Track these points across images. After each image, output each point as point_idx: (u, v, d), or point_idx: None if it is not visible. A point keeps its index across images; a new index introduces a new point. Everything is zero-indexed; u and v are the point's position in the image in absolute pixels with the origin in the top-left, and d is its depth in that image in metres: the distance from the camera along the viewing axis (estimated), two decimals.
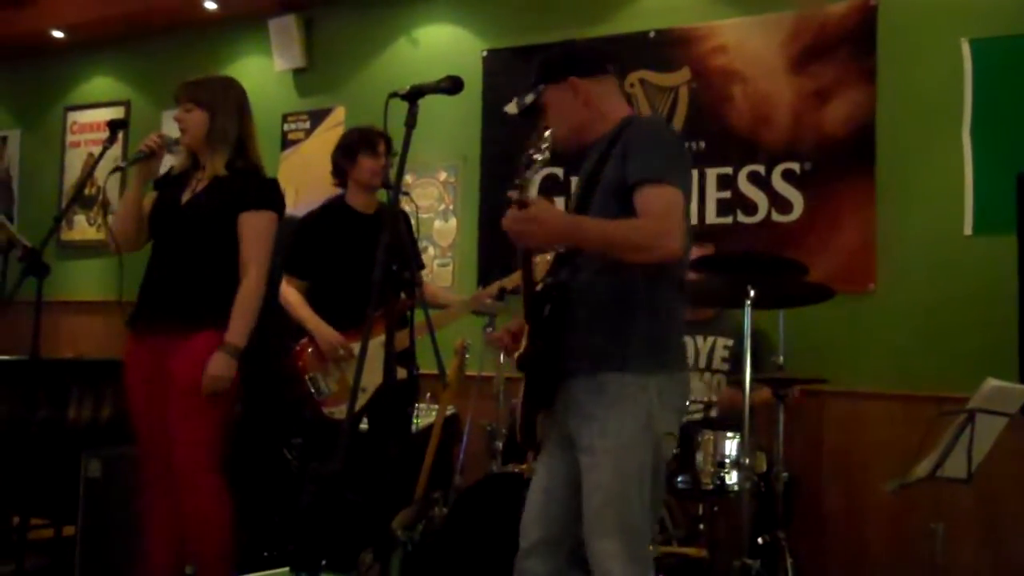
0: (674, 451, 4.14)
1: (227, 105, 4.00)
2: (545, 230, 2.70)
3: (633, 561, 2.77)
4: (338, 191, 4.97)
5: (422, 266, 5.30)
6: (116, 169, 4.07)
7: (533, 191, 2.76)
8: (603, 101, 3.05)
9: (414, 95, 3.00)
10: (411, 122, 2.97)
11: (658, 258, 2.73)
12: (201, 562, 3.89)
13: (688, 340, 5.00)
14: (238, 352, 3.82)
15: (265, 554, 4.91)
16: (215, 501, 3.87)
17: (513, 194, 2.72)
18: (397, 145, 3.36)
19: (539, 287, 2.90)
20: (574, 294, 2.84)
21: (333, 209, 4.93)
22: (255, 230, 3.91)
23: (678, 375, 2.95)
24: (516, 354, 2.93)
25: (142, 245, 4.12)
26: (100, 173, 7.86)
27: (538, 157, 2.77)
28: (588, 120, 3.02)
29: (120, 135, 4.05)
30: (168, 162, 4.18)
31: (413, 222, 4.94)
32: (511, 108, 3.08)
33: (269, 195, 4.00)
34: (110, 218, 4.23)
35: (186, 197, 4.00)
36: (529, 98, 3.04)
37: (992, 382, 3.73)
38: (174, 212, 3.99)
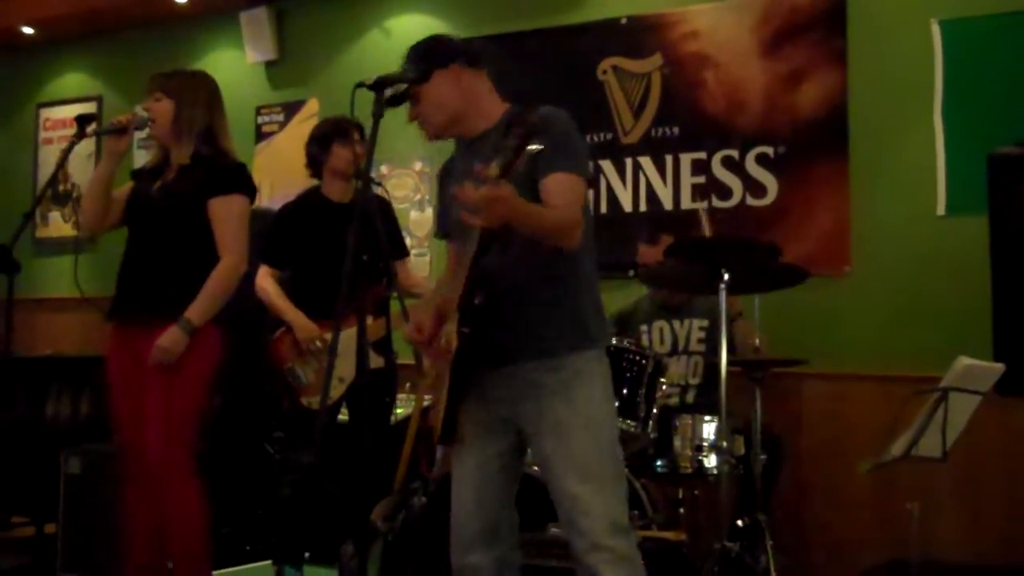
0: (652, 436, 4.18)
1: (195, 96, 3.99)
2: (506, 210, 2.58)
3: (620, 534, 2.80)
4: (313, 183, 4.97)
5: (406, 253, 5.26)
6: (84, 135, 4.05)
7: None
8: (482, 95, 3.03)
9: (381, 85, 2.98)
10: (378, 112, 2.95)
11: (567, 245, 2.78)
12: (176, 554, 3.89)
13: (664, 324, 5.02)
14: (191, 328, 3.79)
15: (248, 548, 4.92)
16: (187, 492, 3.86)
17: (486, 168, 2.56)
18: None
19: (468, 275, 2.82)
20: (515, 279, 2.83)
21: (309, 199, 4.93)
22: (227, 214, 3.91)
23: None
24: (453, 347, 2.80)
25: (109, 228, 4.08)
26: (73, 169, 7.87)
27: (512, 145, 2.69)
28: (465, 111, 2.99)
29: (90, 129, 4.00)
30: (143, 158, 4.17)
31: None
32: (387, 92, 2.95)
33: (236, 178, 3.98)
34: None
35: (155, 187, 4.00)
36: (412, 74, 2.95)
37: (964, 361, 3.75)
38: (144, 202, 3.99)
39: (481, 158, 2.89)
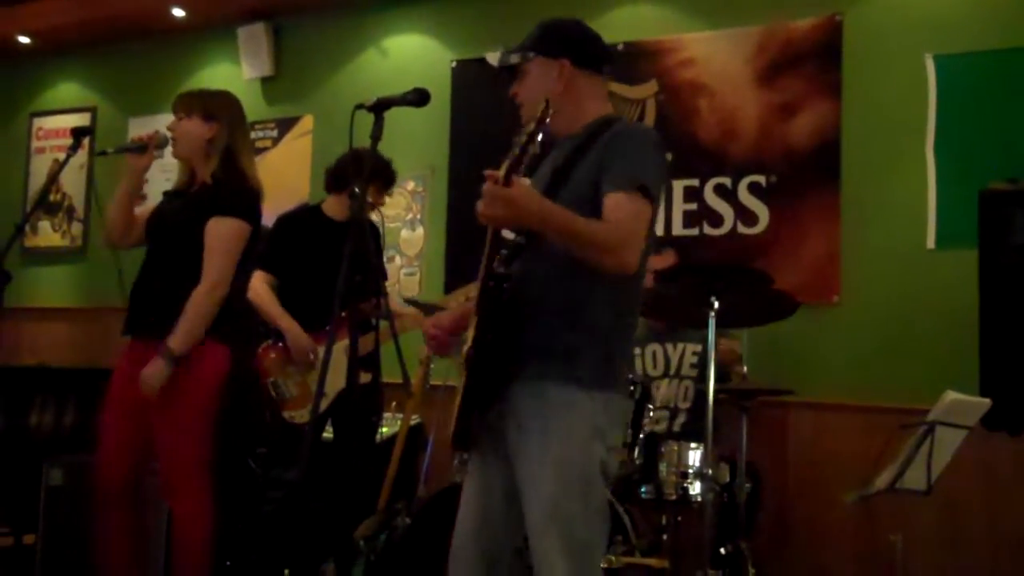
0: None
1: (219, 117, 3.98)
2: (517, 212, 2.47)
3: None
4: (304, 200, 4.98)
5: (385, 277, 5.29)
6: (101, 152, 4.05)
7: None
8: (585, 98, 2.86)
9: (380, 107, 2.96)
10: (376, 135, 2.94)
11: (614, 265, 2.57)
12: (177, 567, 3.88)
13: (657, 347, 5.02)
14: (171, 356, 3.73)
15: (228, 563, 4.89)
16: (195, 509, 3.85)
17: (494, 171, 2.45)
18: None
19: (491, 279, 2.63)
20: (530, 289, 2.64)
21: (308, 213, 4.97)
22: (216, 236, 3.87)
23: (623, 393, 2.83)
24: (464, 348, 2.69)
25: (131, 244, 4.07)
26: (65, 179, 7.86)
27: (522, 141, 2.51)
28: (560, 108, 2.73)
29: (85, 142, 3.98)
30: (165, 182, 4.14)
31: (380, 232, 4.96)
32: (492, 58, 2.92)
33: (239, 202, 3.94)
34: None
35: (174, 205, 4.00)
36: (515, 59, 2.87)
37: (952, 395, 3.76)
38: (160, 220, 4.00)
39: (559, 157, 2.81)
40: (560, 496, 2.59)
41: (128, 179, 4.02)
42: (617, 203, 2.60)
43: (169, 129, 4.02)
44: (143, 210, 4.09)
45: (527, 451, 2.65)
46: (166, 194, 4.15)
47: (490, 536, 2.78)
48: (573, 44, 2.89)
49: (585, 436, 2.63)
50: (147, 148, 3.98)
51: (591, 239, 2.55)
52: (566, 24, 2.95)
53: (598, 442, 2.65)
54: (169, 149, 4.04)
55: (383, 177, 4.83)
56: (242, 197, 3.95)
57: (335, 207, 4.89)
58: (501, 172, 2.44)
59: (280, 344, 4.75)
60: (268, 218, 5.43)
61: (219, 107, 4.01)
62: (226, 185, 3.93)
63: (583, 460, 2.63)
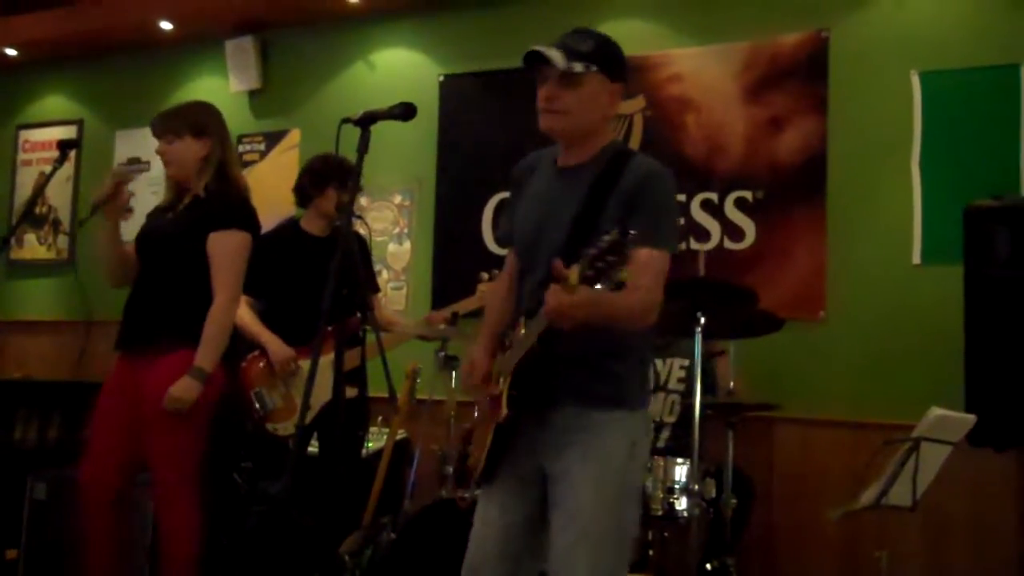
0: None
1: (209, 131, 3.98)
2: (582, 314, 2.46)
3: None
4: (292, 213, 4.96)
5: (377, 290, 5.28)
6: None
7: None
8: (608, 121, 2.91)
9: (366, 121, 2.98)
10: (363, 148, 2.96)
11: (641, 327, 2.71)
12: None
13: None
14: (203, 375, 3.77)
15: None
16: (184, 523, 3.85)
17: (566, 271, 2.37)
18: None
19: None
20: (575, 334, 2.58)
21: (286, 231, 4.94)
22: (222, 250, 3.89)
23: (649, 404, 2.92)
24: (503, 412, 2.69)
25: (133, 279, 4.06)
26: (51, 192, 7.83)
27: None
28: (595, 129, 2.84)
29: (71, 154, 3.96)
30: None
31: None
32: (555, 56, 2.73)
33: (237, 214, 3.95)
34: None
35: (166, 219, 4.01)
36: (579, 67, 2.74)
37: (937, 411, 3.77)
38: (150, 235, 4.00)
39: (575, 186, 2.80)
40: (595, 513, 2.65)
41: (109, 224, 3.99)
42: (648, 262, 2.64)
43: (159, 153, 4.02)
44: (132, 246, 4.07)
45: (565, 467, 2.70)
46: (151, 214, 4.13)
47: (514, 558, 2.79)
48: (624, 70, 2.91)
49: (624, 454, 2.72)
50: (117, 193, 3.93)
51: (628, 313, 2.64)
52: (615, 44, 2.89)
53: (634, 457, 2.75)
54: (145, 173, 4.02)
55: (334, 176, 4.79)
56: (240, 208, 3.97)
57: (311, 221, 4.89)
58: (572, 279, 2.34)
59: (267, 356, 4.74)
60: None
61: (206, 121, 4.02)
62: (221, 197, 3.94)
63: (620, 477, 2.71)
